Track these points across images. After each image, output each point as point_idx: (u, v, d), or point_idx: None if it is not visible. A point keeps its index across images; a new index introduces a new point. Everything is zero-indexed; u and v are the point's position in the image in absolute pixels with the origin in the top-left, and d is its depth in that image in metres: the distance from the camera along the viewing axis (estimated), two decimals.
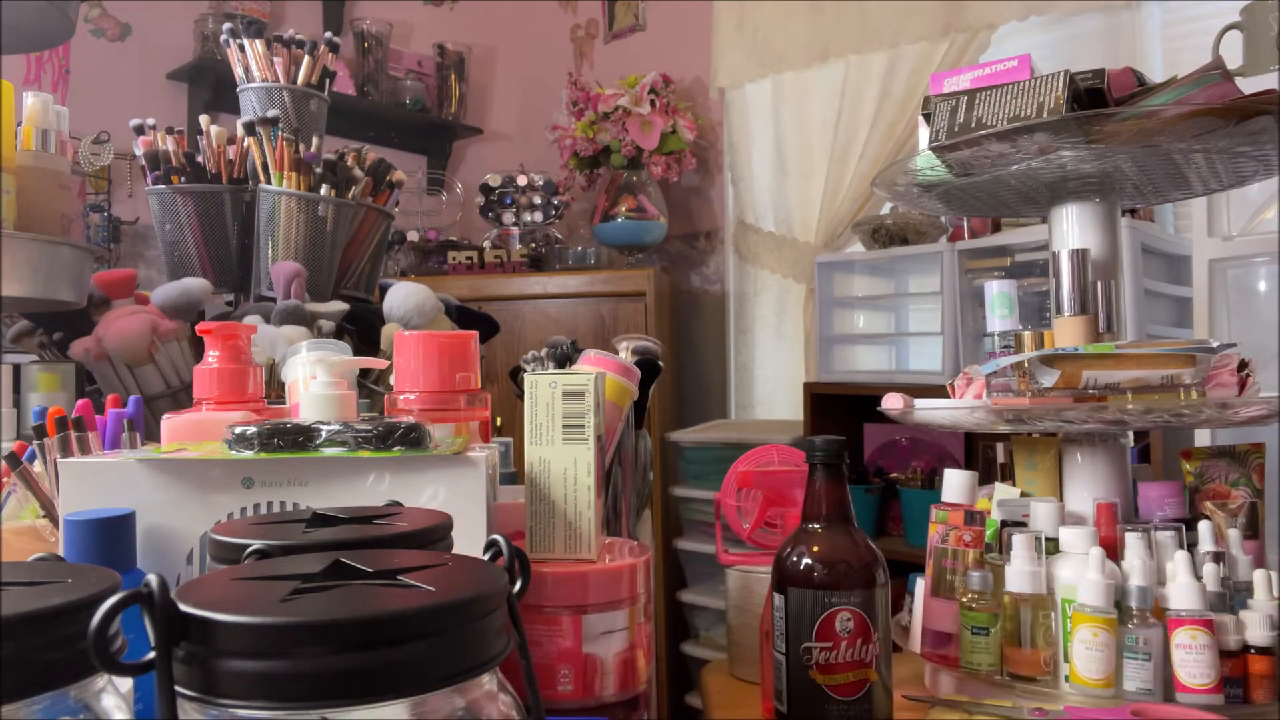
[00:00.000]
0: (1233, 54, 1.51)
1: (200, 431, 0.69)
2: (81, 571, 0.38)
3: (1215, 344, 0.83)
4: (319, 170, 1.25)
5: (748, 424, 2.61)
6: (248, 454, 0.58)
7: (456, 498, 0.59)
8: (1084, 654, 0.78)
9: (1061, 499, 0.94)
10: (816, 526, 0.74)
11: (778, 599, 0.73)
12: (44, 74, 2.40)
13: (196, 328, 0.80)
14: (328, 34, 1.36)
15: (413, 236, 2.77)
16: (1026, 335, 0.94)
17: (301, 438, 0.59)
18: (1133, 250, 1.62)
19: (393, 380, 0.74)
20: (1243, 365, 0.86)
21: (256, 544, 0.43)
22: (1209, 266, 1.56)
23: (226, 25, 1.36)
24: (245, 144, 1.27)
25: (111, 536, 0.54)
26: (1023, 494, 0.96)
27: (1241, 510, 0.90)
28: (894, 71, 2.37)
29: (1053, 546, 0.85)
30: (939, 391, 1.00)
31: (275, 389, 0.99)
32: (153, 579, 0.32)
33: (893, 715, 0.73)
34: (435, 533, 0.48)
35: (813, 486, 0.75)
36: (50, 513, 0.75)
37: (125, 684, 0.45)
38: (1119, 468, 0.92)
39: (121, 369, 1.08)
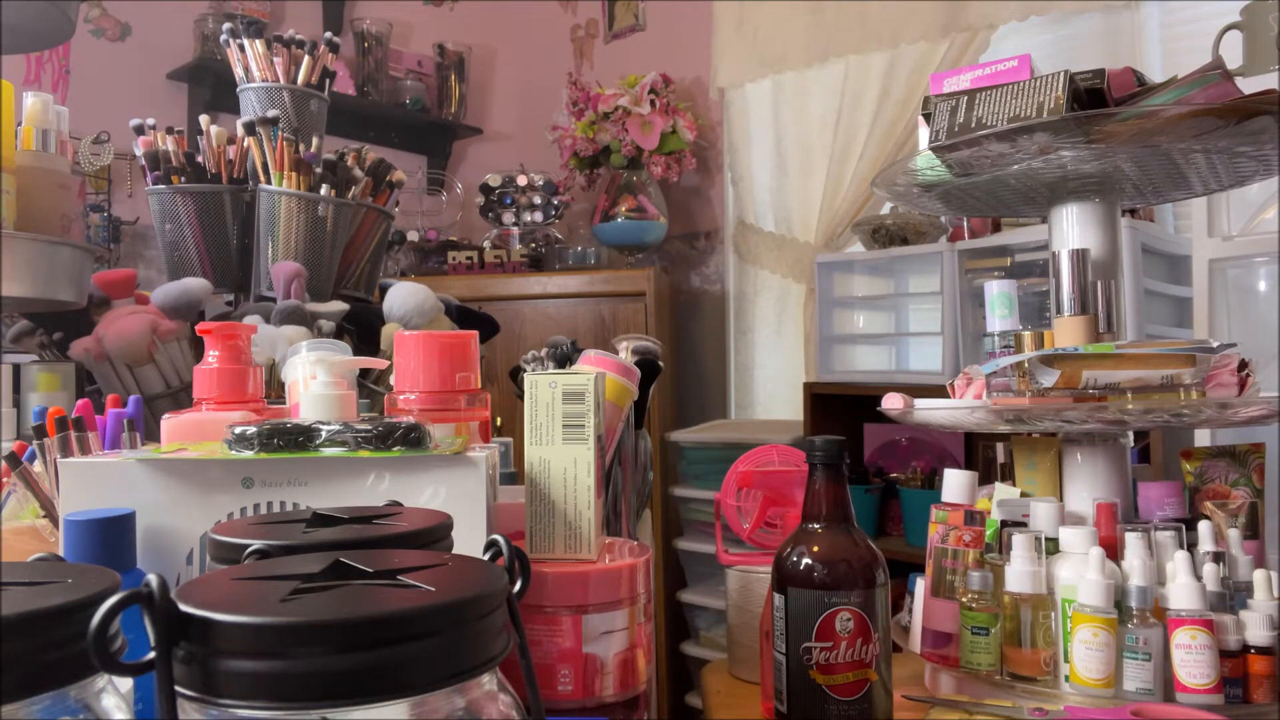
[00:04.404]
0: (1233, 54, 1.51)
1: (200, 431, 0.69)
2: (81, 571, 0.38)
3: (1215, 344, 0.83)
4: (319, 170, 1.25)
5: (748, 424, 2.61)
6: (248, 454, 0.58)
7: (456, 498, 0.59)
8: (1084, 654, 0.78)
9: (1061, 499, 0.94)
10: (816, 526, 0.74)
11: (778, 599, 0.73)
12: (44, 74, 2.40)
13: (196, 328, 0.80)
14: (328, 34, 1.36)
15: (413, 236, 2.77)
16: (1026, 335, 0.94)
17: (301, 438, 0.59)
18: (1133, 250, 1.62)
19: (393, 380, 0.74)
20: (1243, 365, 0.86)
21: (256, 544, 0.43)
22: (1209, 266, 1.56)
23: (226, 25, 1.35)
24: (245, 144, 1.27)
25: (111, 536, 0.54)
26: (1023, 494, 0.96)
27: (1241, 510, 0.89)
28: (894, 71, 2.37)
29: (1053, 546, 0.85)
30: (939, 391, 1.00)
31: (275, 389, 0.99)
32: (153, 579, 0.32)
33: (893, 715, 0.73)
34: (435, 533, 0.48)
35: (813, 486, 0.75)
36: (50, 513, 0.75)
37: (125, 684, 0.45)
38: (1119, 468, 0.92)
39: (121, 369, 1.08)
